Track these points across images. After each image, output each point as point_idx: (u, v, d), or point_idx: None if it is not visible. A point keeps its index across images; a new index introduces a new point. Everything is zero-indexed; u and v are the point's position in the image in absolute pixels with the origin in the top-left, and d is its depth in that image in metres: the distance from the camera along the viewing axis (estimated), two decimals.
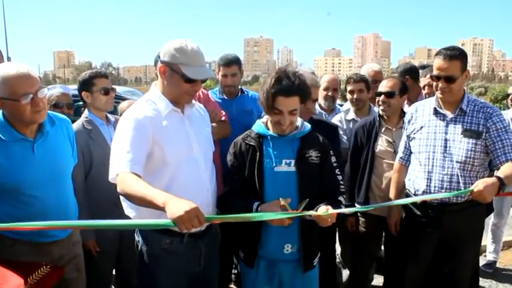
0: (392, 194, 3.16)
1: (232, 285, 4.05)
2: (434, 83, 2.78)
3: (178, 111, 2.27)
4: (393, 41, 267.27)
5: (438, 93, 2.79)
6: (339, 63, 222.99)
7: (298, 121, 2.46)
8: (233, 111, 3.57)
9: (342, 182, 2.50)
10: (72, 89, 3.59)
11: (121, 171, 2.02)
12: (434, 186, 2.80)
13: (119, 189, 2.02)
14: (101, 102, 2.98)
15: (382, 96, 3.34)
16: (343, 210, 2.26)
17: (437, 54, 2.75)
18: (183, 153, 2.22)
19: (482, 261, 4.35)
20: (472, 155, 2.70)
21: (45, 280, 1.94)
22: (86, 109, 3.04)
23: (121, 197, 2.22)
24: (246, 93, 3.88)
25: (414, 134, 2.95)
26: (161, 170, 2.17)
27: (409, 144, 3.03)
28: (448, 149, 2.77)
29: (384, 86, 3.40)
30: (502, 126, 2.68)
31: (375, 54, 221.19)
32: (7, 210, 2.13)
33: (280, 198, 2.19)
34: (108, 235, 2.84)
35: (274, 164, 2.37)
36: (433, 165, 2.81)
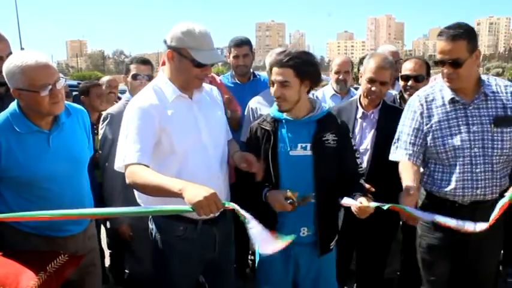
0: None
1: (248, 271, 4.07)
2: (441, 69, 2.36)
3: (185, 97, 2.22)
4: (407, 22, 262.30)
5: (445, 81, 2.37)
6: (352, 46, 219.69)
7: (316, 103, 2.41)
8: (246, 95, 3.51)
9: (360, 165, 2.48)
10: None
11: (129, 163, 2.01)
12: (466, 186, 2.38)
13: (128, 182, 2.01)
14: (132, 87, 3.02)
15: (411, 81, 3.12)
16: (384, 205, 2.08)
17: (439, 34, 2.29)
18: (191, 140, 2.17)
19: None
20: (508, 145, 2.33)
21: (63, 269, 1.94)
22: (128, 92, 3.11)
23: None
24: (258, 77, 3.83)
25: (430, 128, 2.44)
26: (169, 158, 2.14)
27: (421, 139, 2.48)
28: (478, 142, 2.34)
29: (411, 70, 3.14)
30: None
31: (388, 36, 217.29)
32: (22, 204, 2.07)
33: (288, 190, 2.18)
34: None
35: (289, 148, 2.34)
36: (459, 162, 2.37)
